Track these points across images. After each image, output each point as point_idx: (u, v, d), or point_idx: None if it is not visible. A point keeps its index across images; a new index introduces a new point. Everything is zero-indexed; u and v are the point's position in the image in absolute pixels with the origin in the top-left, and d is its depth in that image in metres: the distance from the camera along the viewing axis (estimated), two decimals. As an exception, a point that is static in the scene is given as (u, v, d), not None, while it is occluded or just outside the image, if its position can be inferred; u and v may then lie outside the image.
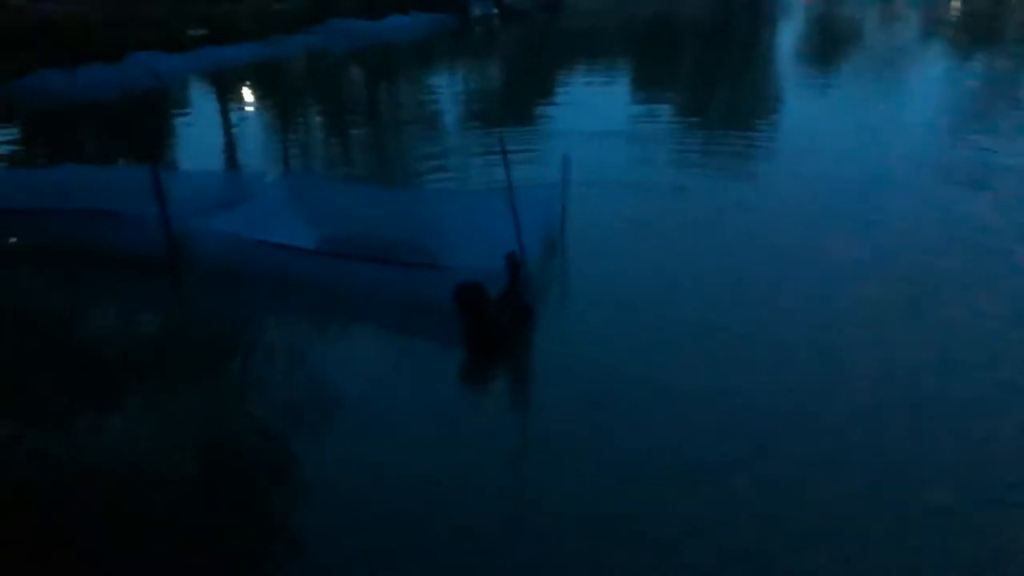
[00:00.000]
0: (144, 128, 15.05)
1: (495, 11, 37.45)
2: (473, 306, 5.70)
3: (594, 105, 15.49)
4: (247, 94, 19.21)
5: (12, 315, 6.77)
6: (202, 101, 18.90)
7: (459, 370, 5.76)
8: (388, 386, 5.38)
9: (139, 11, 25.22)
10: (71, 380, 5.65)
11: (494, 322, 5.78)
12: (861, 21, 35.02)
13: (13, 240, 7.94)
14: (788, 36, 30.91)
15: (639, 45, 28.04)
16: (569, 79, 19.78)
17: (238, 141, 13.74)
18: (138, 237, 7.26)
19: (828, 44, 27.61)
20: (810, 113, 14.45)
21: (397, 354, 5.96)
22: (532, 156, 10.24)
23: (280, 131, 10.50)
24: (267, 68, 22.75)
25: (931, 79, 18.04)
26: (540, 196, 7.34)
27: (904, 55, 22.96)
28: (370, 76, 23.10)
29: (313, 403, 5.38)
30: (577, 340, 5.86)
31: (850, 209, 8.45)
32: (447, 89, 19.55)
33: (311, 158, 12.38)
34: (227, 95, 19.40)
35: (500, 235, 6.33)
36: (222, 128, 15.06)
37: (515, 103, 17.46)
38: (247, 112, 16.25)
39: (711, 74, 20.65)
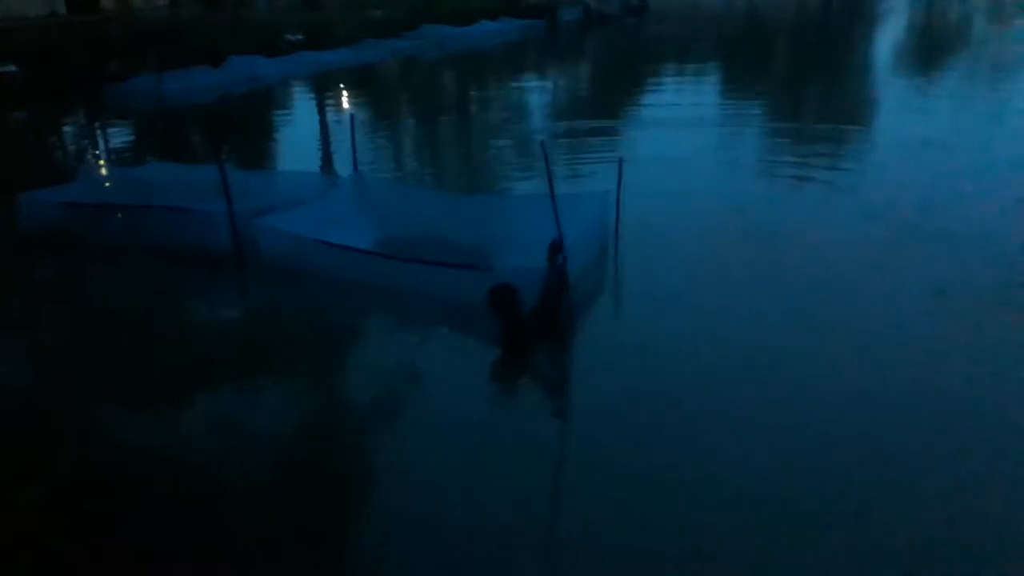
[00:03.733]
0: (236, 129, 15.82)
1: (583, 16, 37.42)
2: (504, 307, 5.73)
3: (676, 111, 15.17)
4: (337, 98, 19.87)
5: (77, 308, 7.26)
6: (294, 104, 19.69)
7: (490, 371, 5.80)
8: (424, 385, 5.50)
9: (240, 17, 26.50)
10: (125, 369, 5.99)
11: (526, 324, 5.78)
12: (968, 22, 33.11)
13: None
14: (888, 39, 29.45)
15: (726, 50, 27.34)
16: (653, 84, 19.50)
17: (323, 143, 14.24)
18: (206, 234, 7.61)
19: (930, 51, 26.11)
20: (908, 126, 13.59)
21: (438, 353, 6.05)
22: (611, 159, 10.11)
23: (359, 133, 10.85)
24: (358, 72, 23.50)
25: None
26: (594, 202, 7.32)
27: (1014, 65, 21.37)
28: (456, 80, 23.49)
29: (355, 401, 5.59)
30: (614, 349, 5.81)
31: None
32: (531, 93, 19.64)
33: (389, 160, 12.67)
34: (318, 98, 20.14)
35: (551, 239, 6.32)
36: (310, 130, 15.64)
37: (597, 108, 17.37)
38: (335, 115, 16.81)
39: (803, 82, 19.96)
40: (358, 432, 5.15)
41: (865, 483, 4.24)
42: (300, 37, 25.40)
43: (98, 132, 16.41)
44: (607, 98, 18.70)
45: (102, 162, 13.05)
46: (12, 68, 19.15)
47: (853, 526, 3.94)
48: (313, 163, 12.12)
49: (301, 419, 5.29)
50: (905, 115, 14.34)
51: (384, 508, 4.30)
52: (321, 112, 17.94)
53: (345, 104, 18.45)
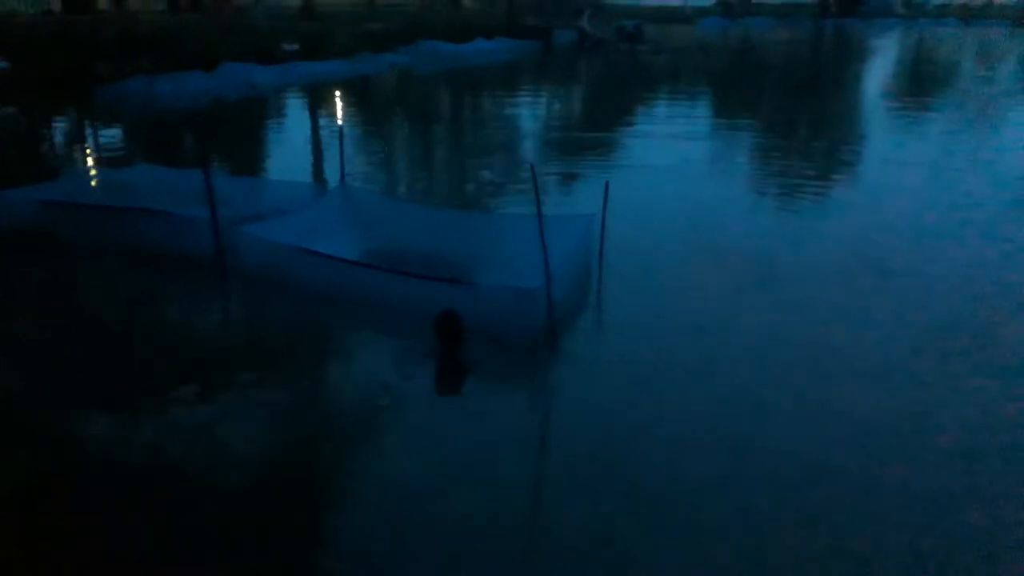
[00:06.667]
0: (226, 135, 15.77)
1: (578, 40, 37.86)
2: (448, 333, 5.79)
3: (663, 137, 15.35)
4: (329, 108, 19.88)
5: (49, 309, 7.16)
6: (286, 112, 19.68)
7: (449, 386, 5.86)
8: (393, 397, 5.49)
9: (236, 23, 26.54)
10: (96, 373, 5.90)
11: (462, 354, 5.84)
12: (955, 61, 33.86)
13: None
14: (875, 75, 30.01)
15: (717, 80, 27.72)
16: (642, 109, 19.72)
17: (314, 153, 14.23)
18: (188, 239, 7.54)
19: (914, 88, 26.58)
20: (890, 158, 13.88)
21: (410, 366, 5.97)
22: (598, 179, 10.24)
23: (349, 144, 10.91)
24: (352, 84, 23.57)
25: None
26: (580, 224, 7.34)
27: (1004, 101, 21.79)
28: (449, 96, 23.61)
29: (323, 410, 5.54)
30: (590, 371, 5.81)
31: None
32: (522, 112, 19.79)
33: (378, 173, 12.66)
34: (311, 108, 20.15)
35: (535, 259, 6.33)
36: (300, 139, 15.65)
37: (586, 129, 17.53)
38: (327, 125, 16.82)
39: (790, 114, 20.27)
40: (326, 440, 5.11)
41: (840, 512, 4.24)
42: (296, 46, 25.45)
43: (85, 132, 16.31)
44: (597, 120, 18.86)
45: (87, 162, 12.95)
46: (2, 64, 19.05)
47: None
48: (302, 172, 12.09)
49: (271, 425, 5.22)
50: (888, 148, 14.65)
51: (353, 515, 4.30)
52: (312, 122, 17.95)
53: (337, 115, 18.47)
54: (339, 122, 15.85)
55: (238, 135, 15.97)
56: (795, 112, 20.26)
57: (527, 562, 3.93)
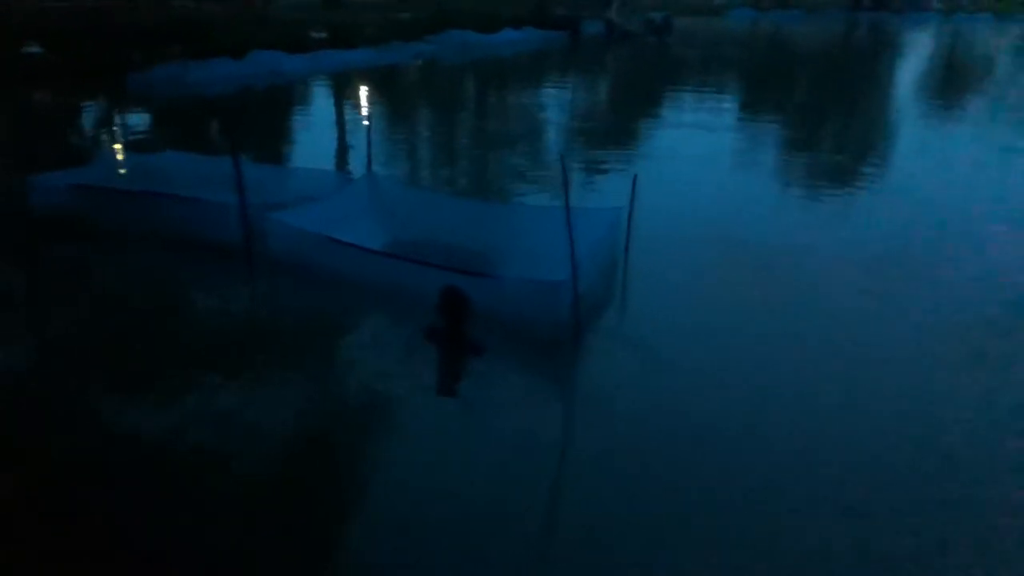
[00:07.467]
0: (254, 123, 15.89)
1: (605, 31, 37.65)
2: (454, 311, 5.76)
3: (690, 128, 15.24)
4: (357, 96, 19.94)
5: (79, 292, 7.26)
6: (313, 100, 19.78)
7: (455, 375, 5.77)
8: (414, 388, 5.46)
9: (266, 12, 26.71)
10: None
11: (466, 334, 5.81)
12: (991, 58, 33.15)
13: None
14: (909, 71, 29.45)
15: (745, 75, 27.37)
16: (669, 102, 19.54)
17: (339, 140, 14.30)
18: (217, 225, 7.60)
19: (945, 87, 26.07)
20: (920, 157, 13.66)
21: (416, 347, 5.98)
22: (623, 177, 10.20)
23: (376, 133, 10.97)
24: (381, 73, 23.62)
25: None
26: (607, 217, 7.29)
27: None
28: (477, 86, 23.57)
29: (342, 400, 5.52)
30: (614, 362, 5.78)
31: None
32: (549, 103, 19.71)
33: (404, 162, 12.70)
34: (337, 96, 20.23)
35: (560, 252, 6.29)
36: (327, 127, 15.71)
37: (613, 121, 17.42)
38: (354, 114, 16.88)
39: (819, 111, 19.98)
40: (343, 432, 5.11)
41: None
42: (324, 35, 25.54)
43: (117, 117, 16.52)
44: (625, 111, 18.75)
45: (119, 147, 13.11)
46: (37, 49, 19.32)
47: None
48: (328, 161, 12.15)
49: (288, 415, 5.23)
50: (916, 147, 14.42)
51: (367, 508, 4.33)
52: (339, 110, 18.03)
53: (364, 104, 18.53)
54: (366, 111, 15.91)
55: (266, 122, 16.08)
56: (825, 107, 19.98)
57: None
